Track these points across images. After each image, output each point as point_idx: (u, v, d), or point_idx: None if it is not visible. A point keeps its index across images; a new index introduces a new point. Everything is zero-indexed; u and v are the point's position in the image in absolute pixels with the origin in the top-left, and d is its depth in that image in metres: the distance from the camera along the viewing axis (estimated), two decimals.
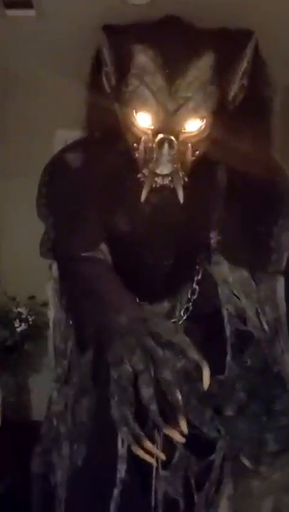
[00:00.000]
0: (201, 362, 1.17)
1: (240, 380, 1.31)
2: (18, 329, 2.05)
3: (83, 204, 1.36)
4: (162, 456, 1.19)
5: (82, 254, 1.35)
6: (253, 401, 1.31)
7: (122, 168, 1.32)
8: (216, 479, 1.31)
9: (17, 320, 2.07)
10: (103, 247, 1.37)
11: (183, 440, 1.18)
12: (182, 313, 1.38)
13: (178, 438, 1.17)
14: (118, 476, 1.25)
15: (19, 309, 2.08)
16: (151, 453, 1.18)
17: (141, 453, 1.17)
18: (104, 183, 1.34)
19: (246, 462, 1.28)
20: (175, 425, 1.16)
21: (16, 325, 2.06)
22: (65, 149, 1.43)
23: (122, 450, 1.24)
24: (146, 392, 1.17)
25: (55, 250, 1.38)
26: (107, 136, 1.34)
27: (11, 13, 1.44)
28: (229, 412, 1.30)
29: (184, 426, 1.16)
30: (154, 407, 1.16)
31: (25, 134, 2.06)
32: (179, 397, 1.16)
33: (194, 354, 1.18)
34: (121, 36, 1.28)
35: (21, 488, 1.50)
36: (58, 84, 1.77)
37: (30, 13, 1.43)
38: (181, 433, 1.16)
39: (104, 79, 1.31)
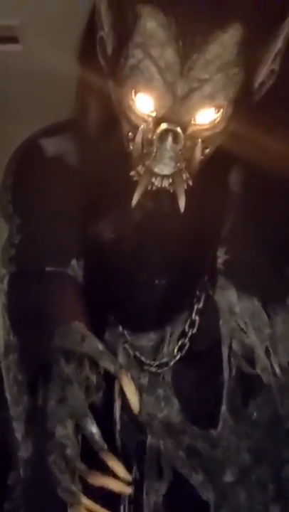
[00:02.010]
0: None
1: (244, 437, 1.06)
2: None
3: (58, 204, 1.07)
4: None
5: (47, 269, 1.08)
6: (259, 465, 1.07)
7: (113, 163, 1.04)
8: None
9: None
10: (74, 262, 1.10)
11: (129, 491, 0.88)
12: (175, 352, 1.10)
13: (119, 488, 0.87)
14: None
15: None
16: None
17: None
18: (88, 179, 1.06)
19: None
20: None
21: None
22: (40, 132, 1.13)
23: None
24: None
25: (19, 260, 1.09)
26: (98, 121, 1.05)
27: None
28: (229, 477, 1.06)
29: (120, 471, 0.86)
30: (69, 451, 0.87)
31: None
32: (94, 430, 0.86)
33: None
34: None
35: None
36: None
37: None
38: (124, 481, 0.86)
39: (98, 47, 1.02)
